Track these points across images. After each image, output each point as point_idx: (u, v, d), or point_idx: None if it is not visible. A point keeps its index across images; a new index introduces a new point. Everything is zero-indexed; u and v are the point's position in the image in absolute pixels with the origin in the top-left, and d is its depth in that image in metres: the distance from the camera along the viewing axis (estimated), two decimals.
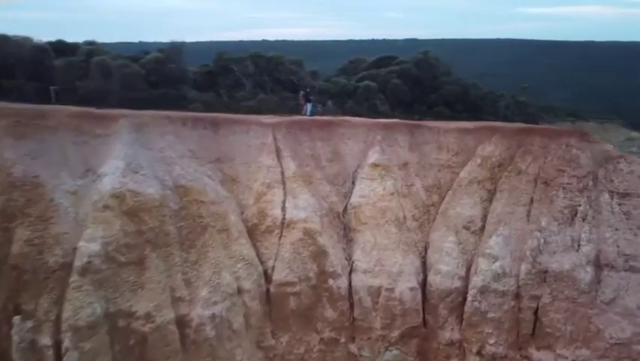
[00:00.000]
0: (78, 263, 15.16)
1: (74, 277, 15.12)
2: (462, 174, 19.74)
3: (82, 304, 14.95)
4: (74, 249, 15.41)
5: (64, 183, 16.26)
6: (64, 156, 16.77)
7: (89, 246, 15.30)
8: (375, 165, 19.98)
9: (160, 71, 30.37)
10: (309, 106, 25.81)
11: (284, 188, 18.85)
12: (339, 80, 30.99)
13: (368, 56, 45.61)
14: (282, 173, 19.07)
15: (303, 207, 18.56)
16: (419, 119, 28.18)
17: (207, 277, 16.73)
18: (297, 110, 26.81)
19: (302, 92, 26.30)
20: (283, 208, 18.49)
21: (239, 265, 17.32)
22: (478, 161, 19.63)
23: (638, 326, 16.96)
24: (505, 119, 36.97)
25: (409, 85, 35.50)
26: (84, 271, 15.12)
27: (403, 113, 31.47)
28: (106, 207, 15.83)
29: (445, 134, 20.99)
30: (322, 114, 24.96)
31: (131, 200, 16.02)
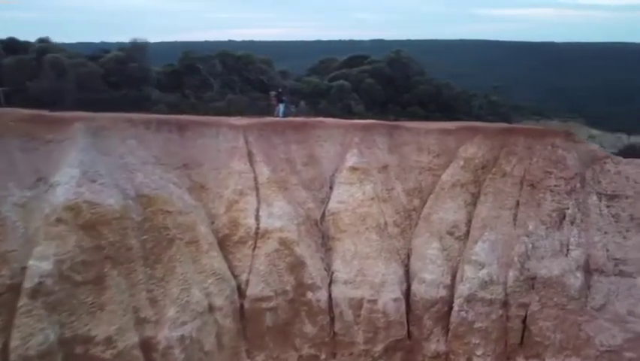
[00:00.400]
0: (28, 285, 13.44)
1: (24, 301, 13.41)
2: (444, 176, 18.76)
3: (32, 331, 13.24)
4: (23, 268, 13.68)
5: (12, 195, 14.51)
6: (12, 165, 15.00)
7: (40, 265, 13.61)
8: (353, 169, 18.82)
9: (121, 70, 28.53)
10: (281, 107, 24.52)
11: (257, 195, 17.48)
12: (312, 80, 29.82)
13: (337, 56, 44.59)
14: (255, 179, 17.71)
15: (278, 215, 17.25)
16: (395, 120, 27.23)
17: (175, 294, 15.22)
18: (269, 111, 25.49)
19: (274, 92, 24.99)
20: (257, 217, 17.12)
21: (210, 281, 15.87)
22: (461, 163, 18.69)
23: (629, 332, 16.30)
24: (479, 118, 36.43)
25: (382, 84, 34.57)
26: (35, 293, 13.42)
27: (378, 114, 30.47)
28: (59, 220, 14.16)
29: (425, 135, 20.01)
30: (295, 115, 23.75)
31: (87, 212, 14.40)
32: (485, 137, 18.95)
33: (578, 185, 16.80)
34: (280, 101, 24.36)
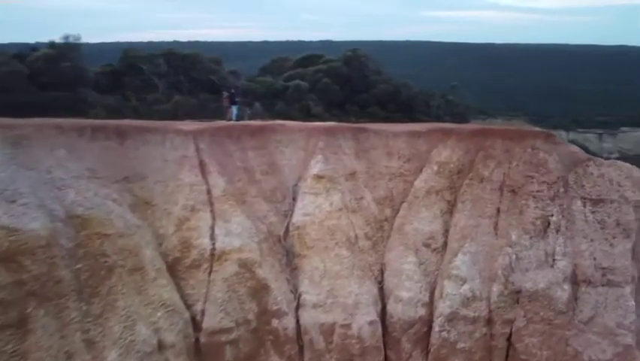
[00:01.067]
0: None
1: None
2: (417, 183, 17.12)
3: None
4: None
5: None
6: None
7: None
8: (318, 177, 16.88)
9: (51, 70, 25.34)
10: (234, 109, 22.28)
11: (212, 210, 15.25)
12: (266, 80, 27.64)
13: (289, 56, 42.54)
14: (209, 192, 15.46)
15: (236, 232, 15.07)
16: (355, 122, 25.53)
17: (117, 333, 12.77)
18: (221, 113, 23.18)
19: (226, 93, 22.73)
20: (212, 236, 14.87)
21: (159, 314, 13.49)
22: (435, 168, 17.11)
23: (619, 346, 15.15)
24: (438, 118, 35.34)
25: (339, 84, 32.82)
26: None
27: (337, 115, 28.72)
28: None
29: (394, 138, 18.31)
30: (250, 118, 21.58)
31: (4, 240, 11.78)
32: (459, 139, 17.43)
33: (562, 190, 15.53)
34: (233, 102, 22.12)
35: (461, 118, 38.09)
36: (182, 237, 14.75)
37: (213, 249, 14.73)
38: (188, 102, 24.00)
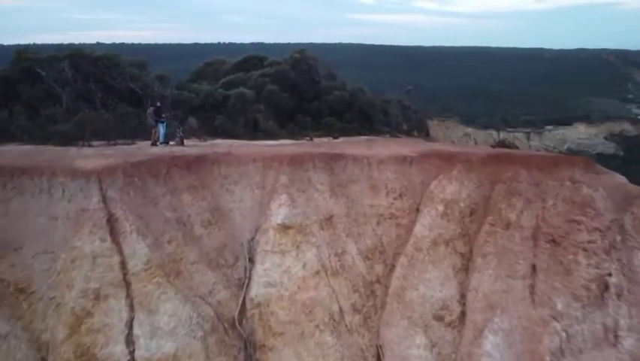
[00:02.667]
0: None
1: None
2: (418, 229, 12.41)
3: None
4: None
5: None
6: None
7: None
8: (284, 228, 11.83)
9: None
10: (161, 127, 16.72)
11: (128, 295, 9.79)
12: (201, 88, 22.10)
13: (226, 58, 36.87)
14: (124, 265, 10.00)
15: (168, 328, 9.71)
16: (311, 138, 20.65)
17: None
18: (144, 133, 17.60)
19: (151, 108, 17.13)
20: (129, 339, 9.46)
21: None
22: (440, 208, 12.46)
23: None
24: (397, 127, 31.11)
25: (287, 91, 27.69)
26: None
27: (290, 130, 23.58)
28: None
29: (378, 166, 13.52)
30: (184, 139, 16.04)
31: None
32: (467, 168, 12.87)
33: (618, 238, 11.38)
34: (159, 119, 16.59)
35: (421, 128, 34.04)
36: (80, 344, 9.20)
37: (132, 359, 9.30)
38: (100, 119, 18.27)
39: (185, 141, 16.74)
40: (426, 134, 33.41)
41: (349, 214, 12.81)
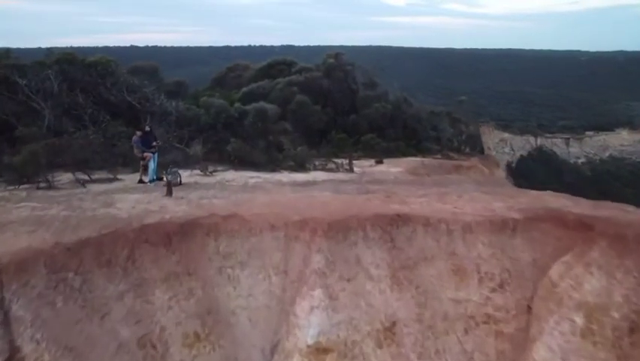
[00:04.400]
0: None
1: None
2: (542, 356, 7.40)
3: None
4: None
5: None
6: None
7: None
8: (319, 351, 7.00)
9: None
10: (152, 161, 12.06)
11: None
12: (213, 102, 17.29)
13: (250, 62, 32.28)
14: None
15: None
16: (350, 163, 15.71)
17: None
18: (133, 164, 13.01)
19: (137, 134, 12.39)
20: None
21: None
22: (577, 320, 7.42)
23: None
24: (449, 145, 25.94)
25: (320, 103, 22.85)
26: None
27: (323, 153, 18.71)
28: None
29: (463, 236, 8.59)
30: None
31: None
32: (618, 247, 7.81)
33: None
34: (147, 149, 11.89)
35: (474, 142, 28.78)
36: None
37: None
38: (76, 144, 13.77)
39: (180, 180, 12.04)
40: (480, 152, 28.16)
41: (422, 318, 7.84)
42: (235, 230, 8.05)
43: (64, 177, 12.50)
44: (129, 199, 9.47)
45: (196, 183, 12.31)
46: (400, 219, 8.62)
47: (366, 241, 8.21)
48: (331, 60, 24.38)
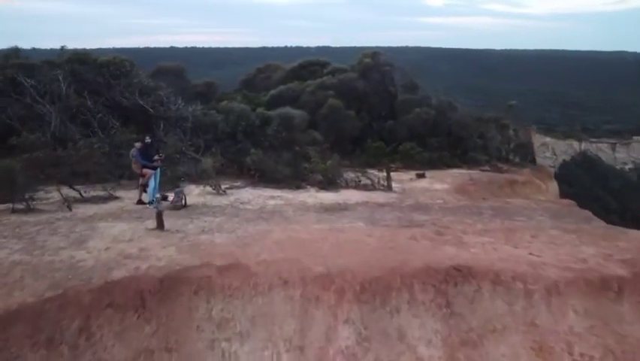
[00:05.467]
0: None
1: None
2: None
3: None
4: None
5: None
6: None
7: None
8: None
9: None
10: (152, 178, 10.04)
11: None
12: (233, 108, 15.18)
13: (281, 63, 30.21)
14: None
15: None
16: (389, 172, 13.33)
17: None
18: (130, 183, 11.04)
19: (136, 145, 10.40)
20: None
21: None
22: None
23: None
24: (498, 155, 23.21)
25: (355, 107, 20.55)
26: None
27: (356, 163, 16.44)
28: None
29: (548, 299, 6.19)
30: (180, 201, 9.28)
31: None
32: None
33: None
34: (148, 163, 9.87)
35: (525, 152, 26.05)
36: None
37: None
38: (76, 156, 11.92)
39: (185, 201, 10.00)
40: (531, 161, 25.23)
41: None
42: (235, 287, 5.87)
43: (56, 194, 10.66)
44: (109, 233, 7.45)
45: (204, 205, 10.24)
46: (460, 275, 6.25)
47: (414, 307, 5.89)
48: (367, 60, 22.00)
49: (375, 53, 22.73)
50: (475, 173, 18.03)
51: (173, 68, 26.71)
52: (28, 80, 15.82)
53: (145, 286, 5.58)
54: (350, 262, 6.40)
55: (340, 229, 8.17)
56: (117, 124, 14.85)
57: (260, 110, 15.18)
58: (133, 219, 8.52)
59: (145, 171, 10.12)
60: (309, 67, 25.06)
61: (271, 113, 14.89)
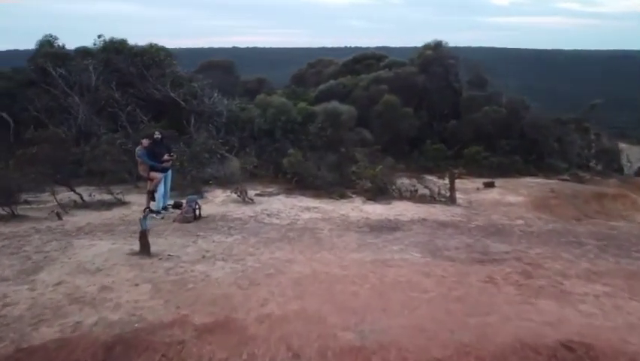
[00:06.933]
0: None
1: None
2: None
3: None
4: None
5: None
6: None
7: None
8: None
9: None
10: (161, 183, 8.17)
11: None
12: (272, 102, 13.12)
13: (334, 58, 28.08)
14: None
15: None
16: (453, 182, 10.86)
17: None
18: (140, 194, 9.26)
19: (142, 142, 8.51)
20: None
21: None
22: None
23: None
24: (579, 162, 20.09)
25: (413, 104, 18.10)
26: None
27: (412, 167, 14.09)
28: None
29: None
30: (194, 213, 7.48)
31: None
32: None
33: None
34: (157, 163, 8.05)
35: (610, 159, 22.73)
36: None
37: None
38: (87, 152, 10.38)
39: (199, 212, 8.09)
40: (617, 170, 21.72)
41: None
42: (220, 360, 3.77)
43: (61, 196, 9.07)
44: (77, 259, 5.60)
45: (223, 216, 8.29)
46: (574, 359, 3.85)
47: None
48: (429, 52, 19.44)
49: (438, 43, 20.07)
50: (554, 183, 15.19)
51: (222, 63, 25.26)
52: (58, 70, 14.59)
53: (79, 358, 3.59)
54: (397, 326, 4.16)
55: (387, 262, 5.93)
56: (145, 118, 13.26)
57: (302, 104, 13.06)
58: (125, 236, 6.66)
59: (153, 174, 8.27)
60: (363, 61, 22.74)
61: (315, 108, 12.73)
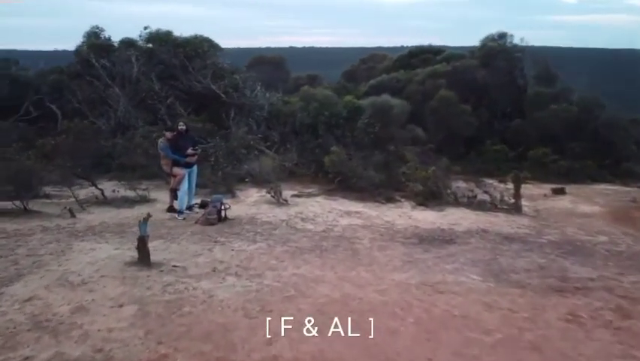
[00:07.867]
0: None
1: None
2: None
3: None
4: None
5: None
6: None
7: None
8: None
9: None
10: (185, 181, 7.25)
11: None
12: (315, 95, 12.13)
13: (389, 53, 26.74)
14: None
15: None
16: (519, 188, 9.35)
17: None
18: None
19: (166, 134, 7.68)
20: None
21: None
22: None
23: None
24: None
25: (472, 100, 16.51)
26: None
27: (470, 170, 12.64)
28: None
29: None
30: (219, 216, 6.59)
31: None
32: None
33: None
34: (180, 157, 7.19)
35: None
36: None
37: None
38: (130, 148, 9.66)
39: (224, 213, 7.14)
40: None
41: None
42: None
43: (84, 191, 8.44)
44: (66, 268, 4.75)
45: (252, 219, 7.31)
46: None
47: None
48: (492, 44, 17.75)
49: (502, 35, 18.31)
50: (634, 191, 13.26)
51: (273, 59, 24.56)
52: (101, 61, 14.18)
53: None
54: None
55: (438, 286, 4.70)
56: (183, 111, 12.56)
57: (349, 97, 11.88)
58: (134, 239, 5.77)
59: (175, 170, 7.40)
60: (419, 55, 21.28)
61: (362, 102, 11.52)
